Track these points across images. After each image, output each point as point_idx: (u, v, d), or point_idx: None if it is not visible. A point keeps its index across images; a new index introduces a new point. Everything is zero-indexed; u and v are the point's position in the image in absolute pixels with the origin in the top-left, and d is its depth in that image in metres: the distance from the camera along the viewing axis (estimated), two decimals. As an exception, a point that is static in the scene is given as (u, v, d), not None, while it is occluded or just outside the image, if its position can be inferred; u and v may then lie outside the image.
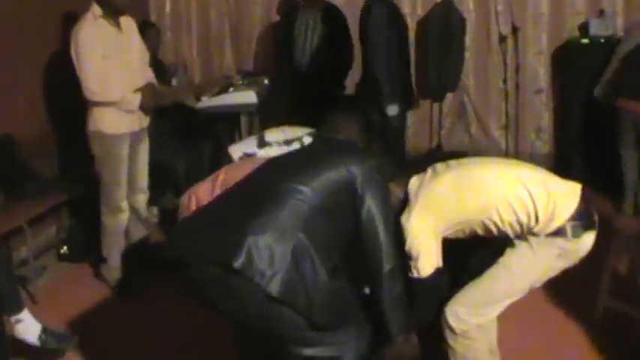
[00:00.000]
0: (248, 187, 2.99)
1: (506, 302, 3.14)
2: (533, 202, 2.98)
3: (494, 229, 3.05)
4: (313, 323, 2.72)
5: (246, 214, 2.74)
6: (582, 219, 3.02)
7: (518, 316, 4.04)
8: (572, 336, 4.21)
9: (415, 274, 3.03)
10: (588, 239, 3.06)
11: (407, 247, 3.02)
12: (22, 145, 5.11)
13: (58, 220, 5.55)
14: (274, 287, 2.60)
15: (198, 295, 2.89)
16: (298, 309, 2.67)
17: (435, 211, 3.05)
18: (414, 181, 3.17)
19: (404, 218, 3.06)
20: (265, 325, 2.78)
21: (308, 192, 2.77)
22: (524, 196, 2.99)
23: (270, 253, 2.62)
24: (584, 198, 3.06)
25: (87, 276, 5.10)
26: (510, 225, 3.02)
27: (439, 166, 3.19)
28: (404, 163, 6.10)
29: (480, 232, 3.09)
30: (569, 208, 3.00)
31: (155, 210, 5.69)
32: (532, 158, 6.80)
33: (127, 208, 4.85)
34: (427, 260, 3.02)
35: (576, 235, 3.00)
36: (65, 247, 5.43)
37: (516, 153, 6.96)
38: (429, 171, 3.18)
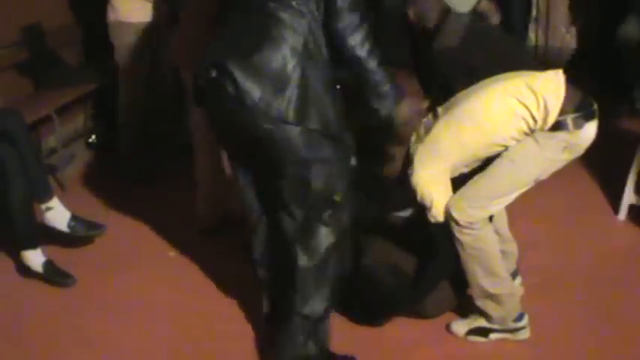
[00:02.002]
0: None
1: (512, 195, 3.14)
2: (526, 108, 2.97)
3: (500, 149, 3.06)
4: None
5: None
6: (582, 110, 3.01)
7: (541, 210, 4.12)
8: (595, 232, 4.26)
9: (433, 221, 3.12)
10: (590, 129, 3.04)
11: (419, 199, 3.10)
12: (49, 34, 5.11)
13: (86, 109, 5.60)
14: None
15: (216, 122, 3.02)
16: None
17: (437, 156, 3.08)
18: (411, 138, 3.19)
19: (409, 173, 3.12)
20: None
21: None
22: (517, 107, 2.98)
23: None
24: (570, 81, 3.05)
25: (115, 164, 5.17)
26: (513, 138, 3.03)
27: (426, 121, 3.18)
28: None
29: (487, 155, 3.10)
30: (558, 96, 2.98)
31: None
32: (561, 53, 6.73)
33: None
34: (441, 206, 3.09)
35: (578, 126, 2.98)
36: (93, 136, 5.51)
37: (546, 47, 6.86)
38: (422, 125, 3.17)
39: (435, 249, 3.21)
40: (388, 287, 3.37)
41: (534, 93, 2.98)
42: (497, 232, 3.33)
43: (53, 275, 3.79)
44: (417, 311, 3.45)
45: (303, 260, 2.99)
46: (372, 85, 2.98)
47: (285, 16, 2.78)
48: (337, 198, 2.95)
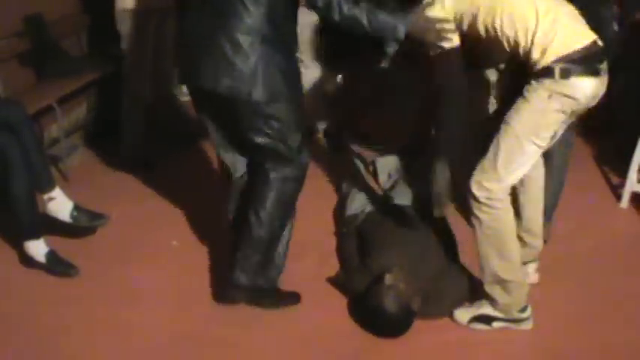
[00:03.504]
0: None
1: (525, 161, 3.11)
2: (535, 27, 2.96)
3: (492, 35, 3.08)
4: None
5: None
6: (577, 63, 2.95)
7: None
8: (598, 220, 4.27)
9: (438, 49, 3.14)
10: (583, 84, 2.96)
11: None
12: (51, 24, 5.09)
13: (88, 99, 5.59)
14: None
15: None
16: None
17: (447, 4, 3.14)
18: None
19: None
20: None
21: None
22: (530, 18, 2.98)
23: None
24: (592, 45, 3.00)
25: (117, 154, 5.18)
26: (507, 40, 3.05)
27: None
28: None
29: (482, 34, 3.11)
30: (568, 46, 2.95)
31: (184, 88, 5.69)
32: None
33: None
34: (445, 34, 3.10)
35: (564, 76, 2.94)
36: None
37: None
38: None
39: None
40: (397, 322, 3.33)
41: (553, 24, 2.96)
42: (528, 226, 3.40)
43: (56, 265, 3.80)
44: (437, 313, 3.46)
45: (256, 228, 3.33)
46: (375, 31, 2.98)
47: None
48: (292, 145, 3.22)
